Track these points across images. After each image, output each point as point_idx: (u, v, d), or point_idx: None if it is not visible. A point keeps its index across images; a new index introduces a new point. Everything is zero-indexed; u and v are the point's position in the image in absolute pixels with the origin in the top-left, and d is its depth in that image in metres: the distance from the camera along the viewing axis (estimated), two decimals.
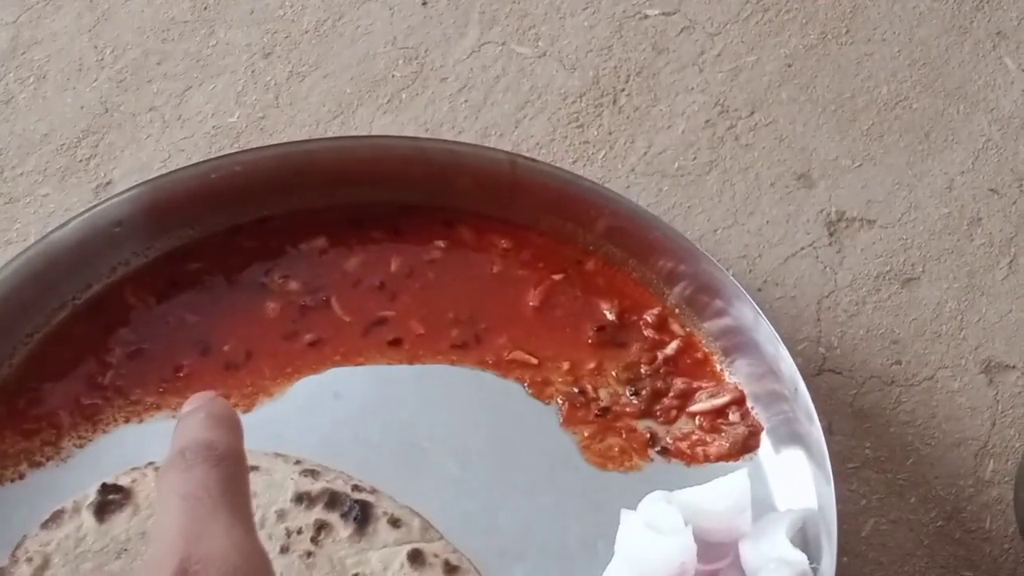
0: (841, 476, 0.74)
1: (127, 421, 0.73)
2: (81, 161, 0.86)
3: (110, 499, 0.68)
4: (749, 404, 0.75)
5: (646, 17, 0.94)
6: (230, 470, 0.43)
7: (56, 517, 0.68)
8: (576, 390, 0.76)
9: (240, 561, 0.39)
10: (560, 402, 0.75)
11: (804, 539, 0.68)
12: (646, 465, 0.73)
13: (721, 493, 0.69)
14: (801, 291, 0.82)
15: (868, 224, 0.85)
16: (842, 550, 0.70)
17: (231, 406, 0.49)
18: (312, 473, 0.70)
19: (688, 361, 0.77)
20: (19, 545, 0.67)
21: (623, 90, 0.90)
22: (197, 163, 0.80)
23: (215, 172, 0.80)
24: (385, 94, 0.90)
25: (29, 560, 0.66)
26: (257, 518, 0.67)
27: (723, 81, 0.91)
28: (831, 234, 0.84)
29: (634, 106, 0.90)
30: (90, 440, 0.73)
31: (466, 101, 0.90)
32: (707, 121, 0.89)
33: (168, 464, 0.44)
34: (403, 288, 0.80)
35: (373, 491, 0.70)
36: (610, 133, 0.88)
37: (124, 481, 0.69)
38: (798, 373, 0.71)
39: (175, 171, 0.79)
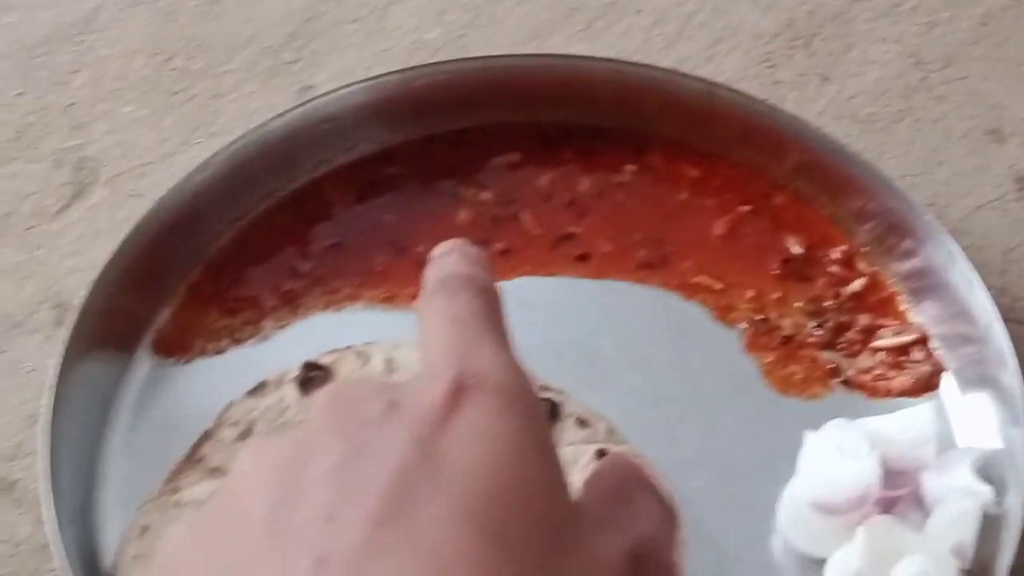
0: None
1: (325, 308, 0.76)
2: (286, 64, 0.89)
3: (313, 375, 0.70)
4: (933, 344, 0.75)
5: None
6: (493, 300, 0.44)
7: (260, 387, 0.70)
8: (760, 317, 0.77)
9: (512, 379, 0.40)
10: (743, 327, 0.76)
11: (987, 478, 0.69)
12: (827, 394, 0.74)
13: (906, 423, 0.70)
14: (987, 242, 0.82)
15: None
16: None
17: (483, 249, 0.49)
18: None
19: (873, 299, 0.78)
20: (225, 411, 0.70)
21: (816, 35, 0.91)
22: (403, 69, 0.82)
23: (420, 79, 0.82)
24: (580, 22, 0.92)
25: (234, 425, 0.69)
26: None
27: (917, 34, 0.91)
28: (1020, 189, 0.84)
29: (827, 51, 0.90)
30: (289, 323, 0.75)
31: (660, 34, 0.91)
32: (900, 71, 0.89)
33: (430, 293, 0.44)
34: (592, 207, 0.82)
35: (560, 392, 0.72)
36: (801, 75, 0.89)
37: (325, 360, 0.71)
38: (995, 314, 0.71)
39: (382, 75, 0.81)
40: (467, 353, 0.40)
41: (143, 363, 0.73)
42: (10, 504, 0.70)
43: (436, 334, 0.42)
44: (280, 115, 0.79)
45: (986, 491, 0.66)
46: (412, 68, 0.82)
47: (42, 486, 0.65)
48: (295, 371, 0.70)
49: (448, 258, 0.47)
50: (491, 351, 0.41)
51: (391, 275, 0.78)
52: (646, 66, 0.84)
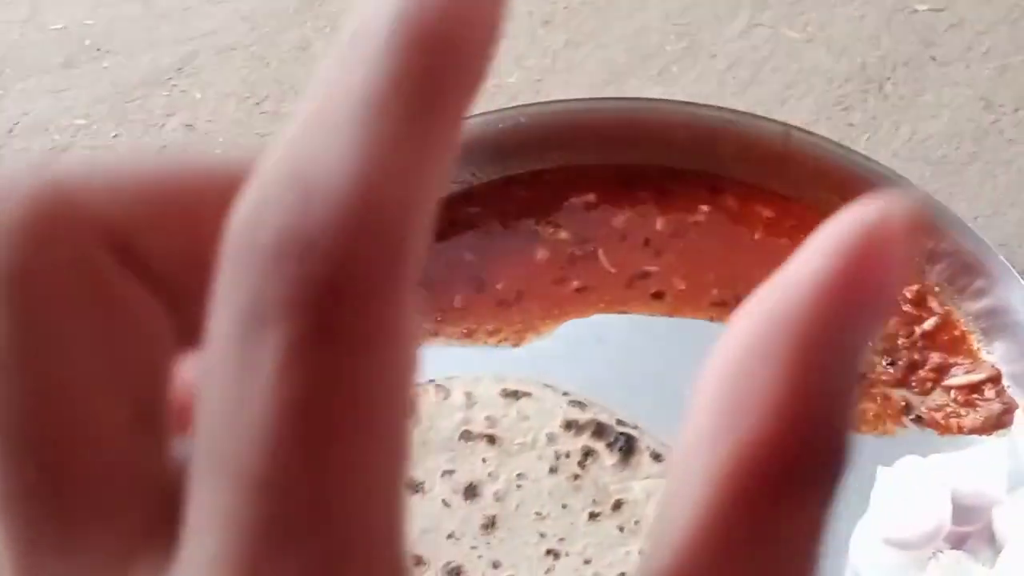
0: None
1: None
2: None
3: None
4: (1005, 383, 0.76)
5: (915, 12, 0.96)
6: None
7: None
8: None
9: None
10: None
11: None
12: (899, 431, 0.75)
13: (977, 460, 0.71)
14: None
15: None
16: None
17: None
18: (579, 404, 0.74)
19: (945, 338, 0.79)
20: None
21: (889, 78, 0.93)
22: (484, 113, 0.85)
23: (500, 123, 0.85)
24: (656, 66, 0.94)
25: None
26: (528, 439, 0.72)
27: (989, 77, 0.93)
28: None
29: (900, 95, 0.92)
30: None
31: (734, 78, 0.93)
32: (972, 114, 0.91)
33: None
34: (667, 246, 0.84)
35: (635, 427, 0.74)
36: (874, 118, 0.91)
37: None
38: None
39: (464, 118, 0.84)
40: None
41: None
42: None
43: None
44: None
45: None
46: (492, 112, 0.85)
47: None
48: None
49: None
50: None
51: (471, 311, 0.80)
52: (721, 108, 0.86)
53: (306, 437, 0.17)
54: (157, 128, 0.91)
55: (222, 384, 0.18)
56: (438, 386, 0.74)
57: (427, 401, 0.73)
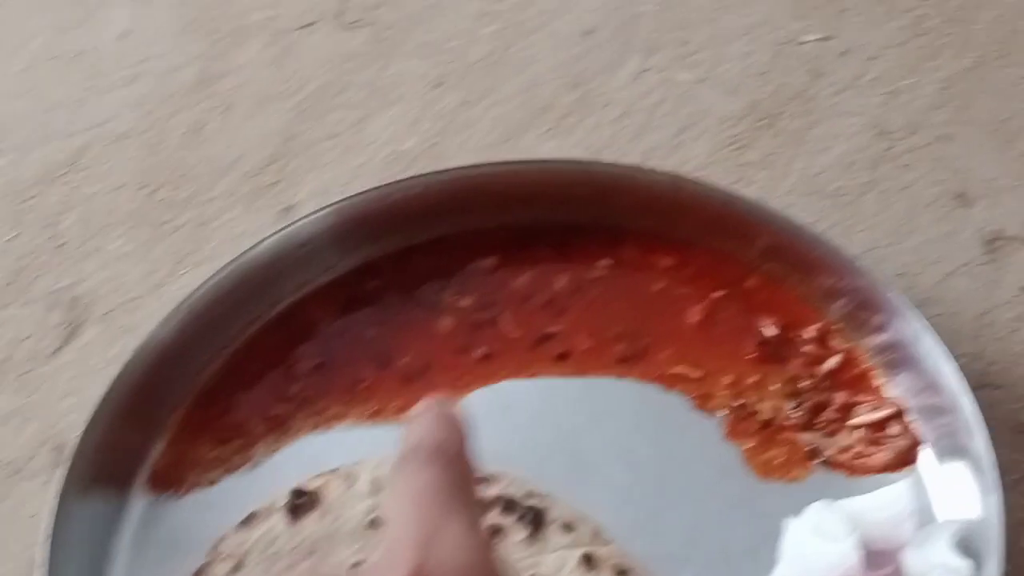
0: (1003, 488, 0.75)
1: (313, 429, 0.78)
2: (267, 186, 0.92)
3: (301, 502, 0.72)
4: (910, 417, 0.76)
5: (803, 43, 0.96)
6: (461, 471, 0.45)
7: (250, 519, 0.72)
8: (739, 403, 0.78)
9: (474, 561, 0.41)
10: (723, 414, 0.78)
11: (967, 550, 0.70)
12: (808, 476, 0.75)
13: (884, 502, 0.71)
14: (960, 308, 0.83)
15: None
16: (1007, 560, 0.71)
17: (460, 409, 0.50)
18: (487, 480, 0.74)
19: (849, 376, 0.79)
20: (216, 545, 0.72)
21: (781, 113, 0.93)
22: (377, 187, 0.85)
23: (395, 194, 0.84)
24: (550, 120, 0.94)
25: (226, 559, 0.71)
26: None
27: (880, 104, 0.93)
28: (989, 252, 0.86)
29: (792, 129, 0.92)
30: (279, 448, 0.78)
31: (628, 126, 0.93)
32: (865, 143, 0.91)
33: (400, 463, 0.45)
34: (570, 304, 0.84)
35: (545, 497, 0.73)
36: (769, 155, 0.91)
37: (313, 486, 0.73)
38: (962, 385, 0.73)
39: (357, 194, 0.84)
40: (427, 538, 0.40)
41: (139, 500, 0.75)
42: None
43: (399, 513, 0.43)
44: (259, 243, 0.82)
45: (965, 568, 0.67)
46: (385, 185, 0.84)
47: None
48: (283, 499, 0.72)
49: (422, 422, 0.48)
50: (453, 533, 0.41)
51: (376, 390, 0.80)
52: (611, 164, 0.86)
53: None
54: (53, 226, 0.91)
55: None
56: (345, 474, 0.74)
57: (333, 490, 0.73)
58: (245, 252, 0.82)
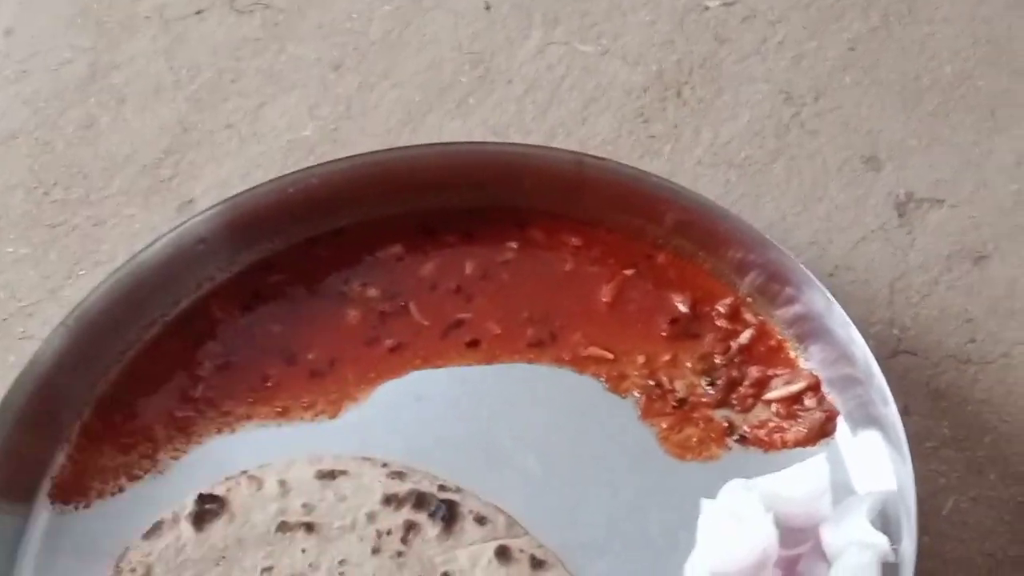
0: (920, 456, 0.75)
1: (219, 432, 0.76)
2: (163, 181, 0.89)
3: (207, 508, 0.70)
4: (824, 389, 0.76)
5: (707, 9, 0.95)
6: None
7: (156, 528, 0.70)
8: (652, 383, 0.77)
9: None
10: (637, 395, 0.77)
11: (885, 521, 0.69)
12: (724, 454, 0.75)
13: (800, 478, 0.70)
14: (873, 274, 0.83)
15: (937, 204, 0.85)
16: (923, 530, 0.71)
17: None
18: (399, 475, 0.72)
19: (762, 349, 0.78)
20: (122, 557, 0.70)
21: (686, 83, 0.92)
22: (274, 179, 0.82)
23: (292, 186, 0.82)
24: (453, 99, 0.92)
25: (132, 571, 0.69)
26: (348, 520, 0.70)
27: (786, 68, 0.92)
28: (901, 216, 0.85)
29: (698, 98, 0.91)
30: (185, 452, 0.75)
31: (533, 102, 0.91)
32: (772, 109, 0.90)
33: None
34: (478, 290, 0.82)
35: (458, 490, 0.72)
36: (675, 126, 0.90)
37: (220, 491, 0.71)
38: (872, 356, 0.72)
39: (253, 188, 0.82)
40: None
41: (42, 513, 0.73)
42: None
43: None
44: (155, 241, 0.79)
45: (882, 541, 0.67)
46: (281, 177, 0.82)
47: None
48: (189, 506, 0.71)
49: None
50: None
51: (283, 387, 0.78)
52: (514, 144, 0.84)
53: None
54: None
55: None
56: (251, 477, 0.72)
57: (240, 494, 0.71)
58: (141, 251, 0.79)
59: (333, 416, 0.77)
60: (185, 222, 0.80)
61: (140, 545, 0.70)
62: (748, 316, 0.79)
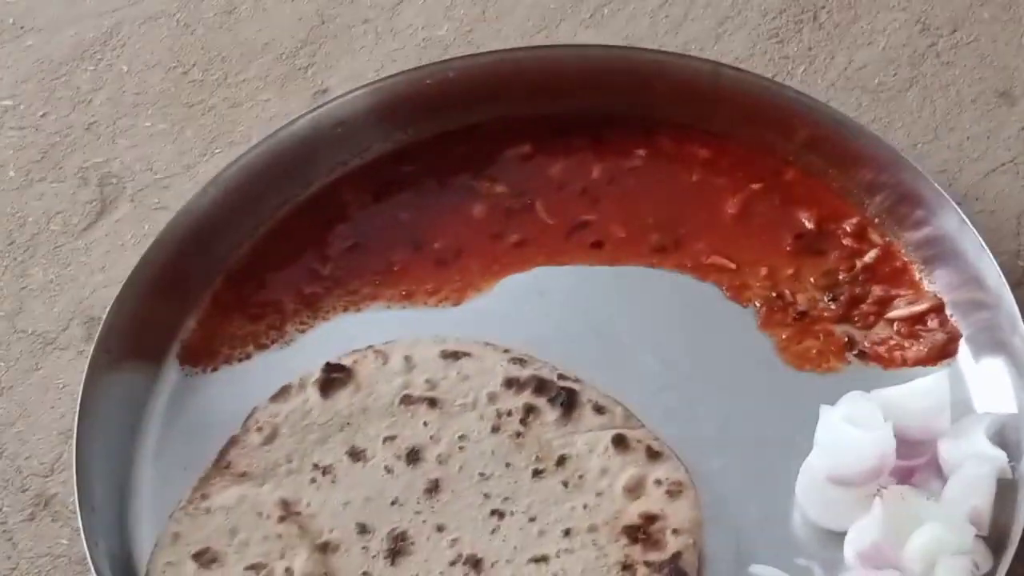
0: None
1: (345, 310, 0.78)
2: (299, 69, 0.90)
3: (334, 377, 0.72)
4: (948, 312, 0.76)
5: None
6: None
7: (283, 392, 0.72)
8: (774, 294, 0.78)
9: None
10: (757, 305, 0.77)
11: (1003, 442, 0.69)
12: (843, 367, 0.75)
13: (920, 393, 0.70)
14: (1001, 206, 0.82)
15: None
16: None
17: None
18: (520, 361, 0.73)
19: (887, 270, 0.78)
20: (249, 417, 0.72)
21: (823, 7, 0.91)
22: (413, 68, 0.84)
23: (430, 78, 0.83)
24: (587, 9, 0.93)
25: (259, 430, 0.71)
26: (469, 399, 0.71)
27: (923, 0, 0.91)
28: None
29: (834, 23, 0.90)
30: (311, 326, 0.77)
31: (666, 16, 0.92)
32: (908, 38, 0.90)
33: None
34: (604, 194, 0.83)
35: (577, 380, 0.73)
36: (809, 49, 0.89)
37: (346, 362, 0.73)
38: (1004, 281, 0.72)
39: (393, 75, 0.83)
40: None
41: (171, 373, 0.75)
42: (49, 518, 0.72)
43: None
44: (292, 122, 0.81)
45: (1000, 456, 0.67)
46: (420, 67, 0.83)
47: (77, 501, 0.67)
48: (317, 374, 0.72)
49: None
50: None
51: (409, 272, 0.79)
52: (650, 50, 0.85)
53: None
54: (84, 104, 0.90)
55: None
56: (377, 351, 0.74)
57: (366, 366, 0.73)
58: (279, 130, 0.81)
59: (456, 303, 0.78)
60: (324, 104, 0.82)
61: (267, 407, 0.72)
62: (874, 236, 0.79)
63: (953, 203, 0.75)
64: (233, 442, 0.70)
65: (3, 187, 0.86)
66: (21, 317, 0.80)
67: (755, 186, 0.82)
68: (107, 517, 0.68)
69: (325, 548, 0.66)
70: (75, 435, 0.69)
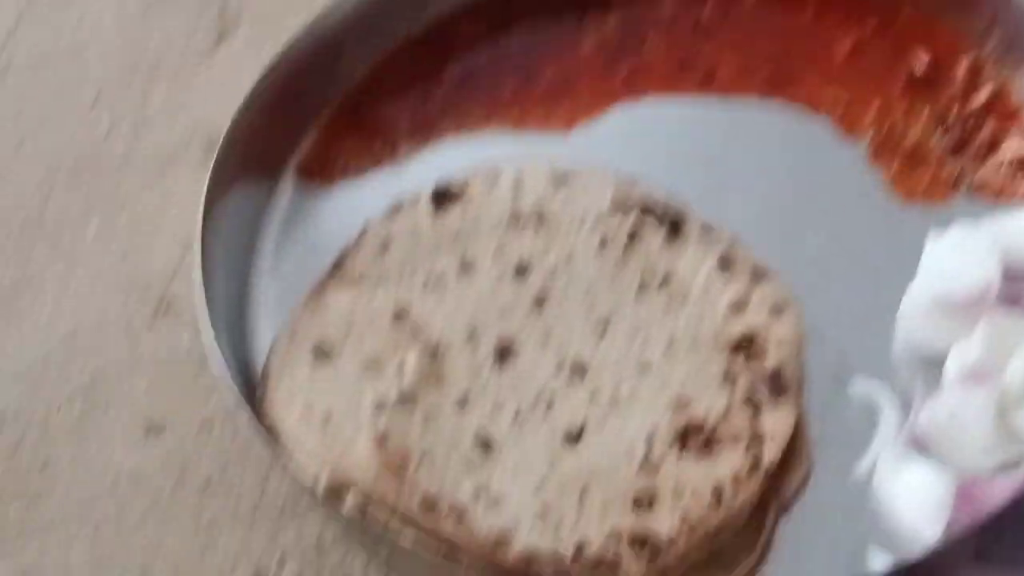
0: None
1: (458, 132, 0.79)
2: None
3: (445, 195, 0.74)
4: None
5: None
6: None
7: (396, 208, 0.74)
8: (886, 127, 0.77)
9: None
10: (869, 138, 0.77)
11: None
12: (953, 201, 0.75)
13: None
14: None
15: None
16: None
17: None
18: (628, 186, 0.74)
19: (1000, 109, 0.77)
20: (362, 231, 0.74)
21: None
22: None
23: None
24: None
25: (373, 242, 0.72)
26: (577, 219, 0.72)
27: None
28: None
29: None
30: (424, 147, 0.79)
31: None
32: None
33: None
34: (716, 30, 0.83)
35: (683, 206, 0.74)
36: None
37: (457, 182, 0.74)
38: None
39: None
40: None
41: (287, 188, 0.77)
42: (171, 319, 0.75)
43: None
44: None
45: None
46: None
47: (197, 299, 0.69)
48: (428, 192, 0.74)
49: None
50: None
51: (519, 101, 0.81)
52: None
53: None
54: None
55: None
56: (487, 173, 0.75)
57: (476, 187, 0.74)
58: None
59: (566, 131, 0.79)
60: None
61: (380, 221, 0.73)
62: (989, 76, 0.78)
63: None
64: (347, 252, 0.72)
65: (124, 15, 0.88)
66: (143, 136, 0.82)
67: (869, 24, 0.81)
68: (227, 316, 0.71)
69: (436, 350, 0.68)
70: (198, 247, 0.71)
